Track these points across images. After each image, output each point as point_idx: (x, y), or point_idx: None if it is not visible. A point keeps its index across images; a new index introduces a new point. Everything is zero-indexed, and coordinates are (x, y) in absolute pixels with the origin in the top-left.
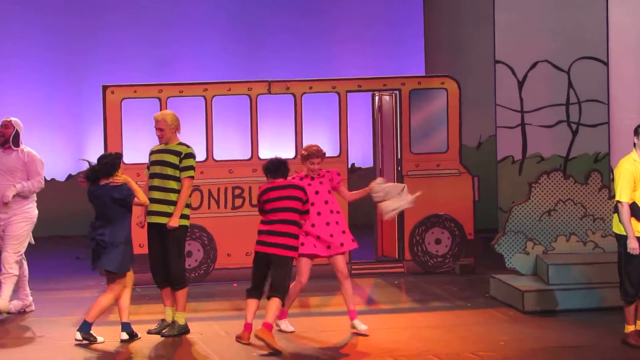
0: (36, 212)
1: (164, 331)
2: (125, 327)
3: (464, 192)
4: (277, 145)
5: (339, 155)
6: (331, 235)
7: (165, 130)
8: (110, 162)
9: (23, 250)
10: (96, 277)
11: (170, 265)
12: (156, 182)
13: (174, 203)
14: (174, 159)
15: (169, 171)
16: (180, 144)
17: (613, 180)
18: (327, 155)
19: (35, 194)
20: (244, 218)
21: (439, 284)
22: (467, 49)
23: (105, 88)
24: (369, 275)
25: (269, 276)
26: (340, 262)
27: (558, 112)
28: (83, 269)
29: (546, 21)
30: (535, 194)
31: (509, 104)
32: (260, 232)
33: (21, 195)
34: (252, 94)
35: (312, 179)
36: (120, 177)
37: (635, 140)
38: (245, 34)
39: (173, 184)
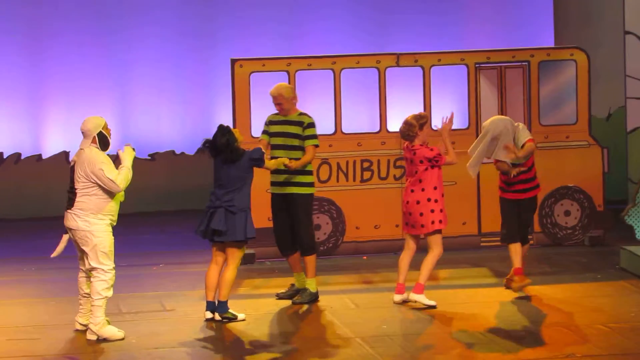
0: None
1: (294, 299)
2: (210, 305)
3: (593, 164)
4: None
5: (467, 128)
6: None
7: (284, 103)
8: (228, 141)
9: None
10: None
11: (299, 231)
12: (281, 153)
13: (300, 173)
14: (297, 130)
15: (294, 142)
16: (301, 114)
17: None
18: (455, 127)
19: None
20: (372, 191)
21: (568, 255)
22: (596, 20)
23: (234, 62)
24: (498, 247)
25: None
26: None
27: None
28: (202, 243)
29: None
30: None
31: (639, 75)
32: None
33: None
34: (380, 67)
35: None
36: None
37: None
38: (373, 7)
39: (299, 154)
